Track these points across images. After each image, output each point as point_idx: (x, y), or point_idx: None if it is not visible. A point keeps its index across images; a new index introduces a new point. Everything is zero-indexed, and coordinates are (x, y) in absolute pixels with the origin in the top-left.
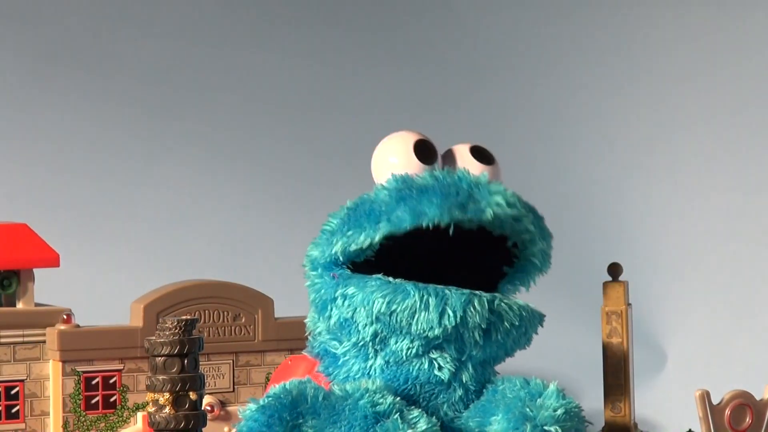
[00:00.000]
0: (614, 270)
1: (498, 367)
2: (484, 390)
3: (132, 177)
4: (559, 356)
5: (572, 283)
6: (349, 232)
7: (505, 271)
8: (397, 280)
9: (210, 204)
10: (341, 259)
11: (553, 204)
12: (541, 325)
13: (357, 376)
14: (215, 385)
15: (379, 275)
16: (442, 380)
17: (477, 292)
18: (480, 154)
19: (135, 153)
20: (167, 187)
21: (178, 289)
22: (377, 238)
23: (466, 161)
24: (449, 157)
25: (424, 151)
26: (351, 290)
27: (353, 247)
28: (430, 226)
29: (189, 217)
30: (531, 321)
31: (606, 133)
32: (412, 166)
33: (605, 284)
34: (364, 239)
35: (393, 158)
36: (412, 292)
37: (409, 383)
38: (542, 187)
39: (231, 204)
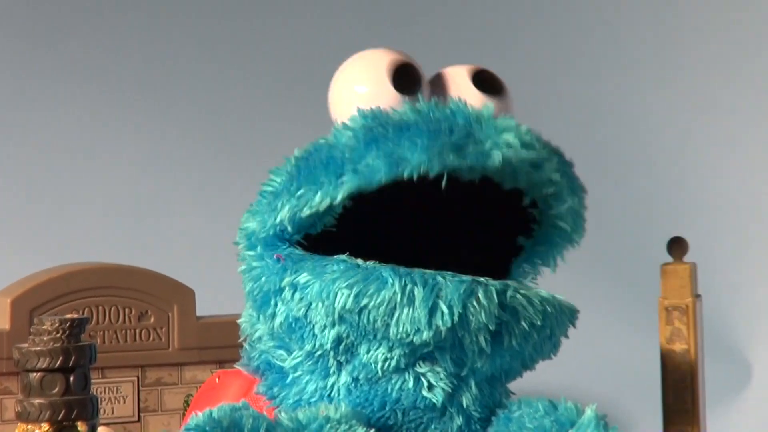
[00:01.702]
0: (677, 247)
1: (513, 386)
2: (494, 418)
3: None
4: (599, 369)
5: (618, 265)
6: (300, 191)
7: (520, 244)
8: (369, 263)
9: (100, 160)
10: (289, 230)
11: (590, 158)
12: (573, 325)
13: (313, 400)
14: (113, 413)
15: (343, 256)
16: (434, 404)
17: (481, 278)
18: (483, 81)
19: None
20: (36, 142)
21: (58, 277)
22: (339, 197)
23: (462, 90)
24: (439, 84)
25: (403, 76)
26: (304, 277)
27: (306, 212)
28: (414, 176)
29: (69, 180)
30: (558, 319)
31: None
32: (386, 96)
33: (664, 267)
34: (321, 199)
35: (360, 87)
36: (389, 280)
37: (387, 409)
38: (574, 136)
39: (129, 159)
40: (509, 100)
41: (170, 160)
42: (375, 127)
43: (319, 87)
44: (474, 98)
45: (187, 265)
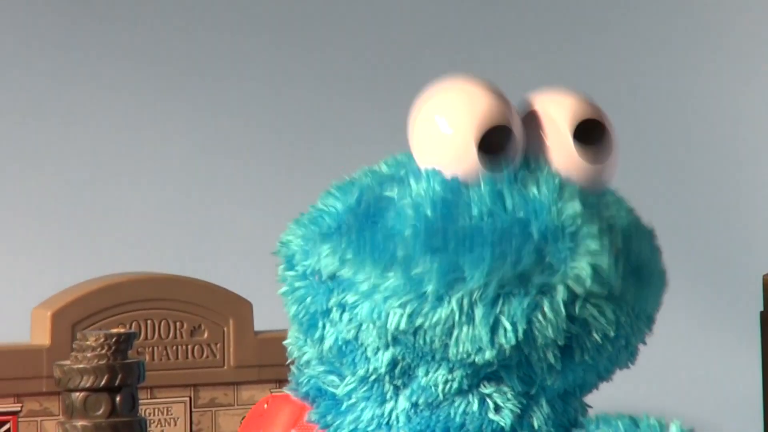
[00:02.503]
0: None
1: (590, 399)
2: None
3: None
4: (689, 385)
5: (716, 274)
6: (347, 256)
7: None
8: (422, 275)
9: (148, 163)
10: (329, 284)
11: (687, 162)
12: (650, 331)
13: (371, 429)
14: None
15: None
16: (502, 428)
17: (547, 287)
18: (588, 133)
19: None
20: (81, 147)
21: (103, 288)
22: (382, 287)
23: (559, 144)
24: (533, 125)
25: (493, 141)
26: (352, 296)
27: (346, 276)
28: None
29: (116, 184)
30: (634, 327)
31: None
32: (468, 159)
33: (767, 277)
34: (363, 281)
35: (445, 129)
36: (445, 297)
37: None
38: (671, 140)
39: (180, 162)
40: (614, 156)
41: (225, 162)
42: (437, 235)
43: (390, 92)
44: (571, 162)
45: (244, 276)
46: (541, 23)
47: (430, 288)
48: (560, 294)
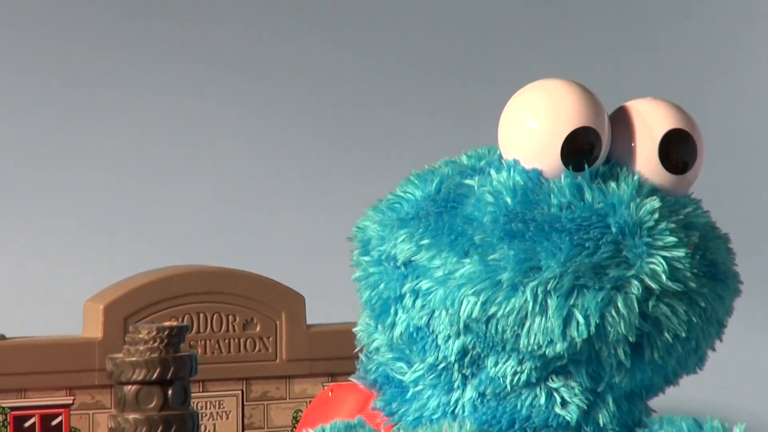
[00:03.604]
0: None
1: (654, 403)
2: None
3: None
4: (751, 384)
5: None
6: (424, 241)
7: None
8: (498, 261)
9: (199, 155)
10: (403, 269)
11: (749, 158)
12: (720, 338)
13: (435, 417)
14: (215, 429)
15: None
16: (568, 423)
17: (622, 281)
18: (674, 141)
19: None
20: (132, 138)
21: (155, 281)
22: (457, 273)
23: (644, 152)
24: (624, 127)
25: (580, 142)
26: (426, 283)
27: (423, 263)
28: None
29: (167, 177)
30: (705, 331)
31: None
32: (552, 153)
33: None
34: (439, 266)
35: (532, 123)
36: (520, 287)
37: (516, 427)
38: (733, 137)
39: (232, 154)
40: (699, 166)
41: (277, 154)
42: (516, 221)
43: (443, 83)
44: (655, 173)
45: (296, 269)
46: (643, 27)
47: (505, 275)
48: (635, 289)
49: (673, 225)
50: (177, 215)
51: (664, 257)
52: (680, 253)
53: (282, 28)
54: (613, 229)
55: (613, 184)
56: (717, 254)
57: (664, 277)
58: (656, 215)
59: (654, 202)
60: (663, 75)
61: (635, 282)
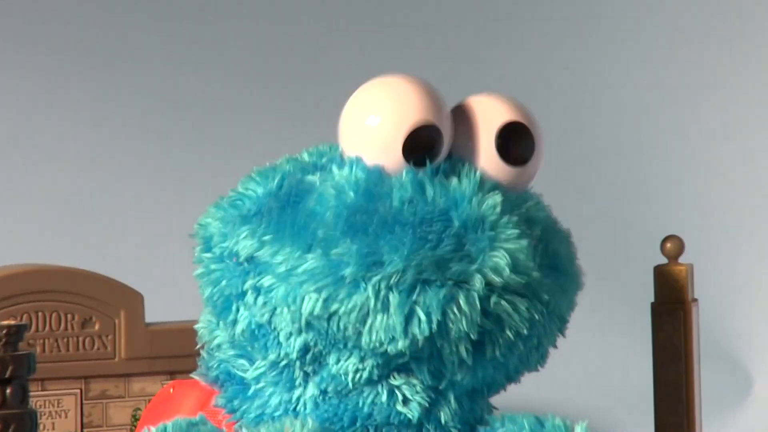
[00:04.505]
0: (672, 247)
1: (496, 400)
2: None
3: None
4: (588, 379)
5: (608, 266)
6: (266, 237)
7: None
8: (341, 256)
9: (38, 153)
10: (246, 265)
11: (581, 154)
12: (562, 334)
13: (277, 414)
14: (54, 428)
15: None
16: (409, 420)
17: (463, 281)
18: (513, 135)
19: None
20: None
21: None
22: (299, 269)
23: (484, 155)
24: (463, 125)
25: (422, 137)
26: (268, 280)
27: (265, 259)
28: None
29: (4, 173)
30: (547, 327)
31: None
32: (394, 150)
33: (658, 269)
34: (281, 263)
35: (374, 120)
36: (362, 284)
37: (358, 425)
38: (566, 131)
39: (71, 153)
40: (538, 158)
41: (116, 151)
42: (359, 213)
43: (284, 80)
44: (495, 167)
45: (135, 268)
46: (494, 26)
47: (348, 270)
48: (477, 285)
49: (515, 218)
50: (15, 213)
51: (507, 250)
52: (523, 243)
53: (129, 21)
54: (456, 223)
55: (455, 180)
56: (559, 247)
57: (507, 270)
58: (498, 209)
59: (496, 197)
60: (504, 70)
61: (478, 277)
